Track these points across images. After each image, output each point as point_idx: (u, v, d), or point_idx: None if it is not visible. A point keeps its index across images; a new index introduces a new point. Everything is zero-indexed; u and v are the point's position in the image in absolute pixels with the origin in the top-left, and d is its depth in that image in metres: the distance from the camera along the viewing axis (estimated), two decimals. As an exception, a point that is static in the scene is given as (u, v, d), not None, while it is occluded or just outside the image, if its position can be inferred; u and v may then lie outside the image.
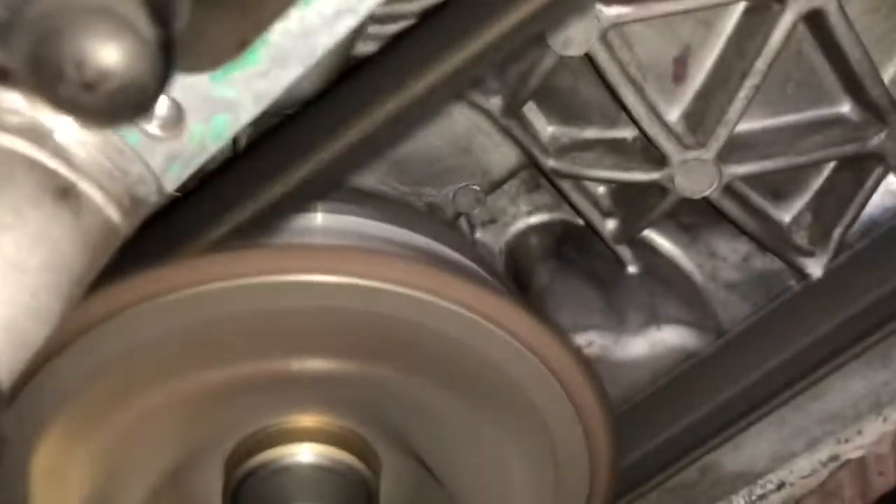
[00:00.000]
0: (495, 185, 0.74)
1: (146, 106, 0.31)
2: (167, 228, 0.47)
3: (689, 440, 0.66)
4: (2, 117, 0.38)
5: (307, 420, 0.56)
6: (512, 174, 0.74)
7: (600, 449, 0.58)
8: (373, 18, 0.61)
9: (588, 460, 0.58)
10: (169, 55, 0.30)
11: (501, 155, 0.72)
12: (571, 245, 0.79)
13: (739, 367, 0.66)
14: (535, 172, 0.76)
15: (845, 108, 0.68)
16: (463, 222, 0.77)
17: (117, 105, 0.30)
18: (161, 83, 0.30)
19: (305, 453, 0.56)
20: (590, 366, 0.58)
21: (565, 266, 0.78)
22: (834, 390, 0.66)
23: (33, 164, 0.38)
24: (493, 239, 0.80)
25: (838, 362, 0.63)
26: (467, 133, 0.70)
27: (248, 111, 0.42)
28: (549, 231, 0.80)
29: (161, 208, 0.44)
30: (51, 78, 0.29)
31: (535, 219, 0.79)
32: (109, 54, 0.29)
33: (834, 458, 0.65)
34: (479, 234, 0.79)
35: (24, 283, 0.37)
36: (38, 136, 0.39)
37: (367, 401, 0.56)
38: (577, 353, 0.58)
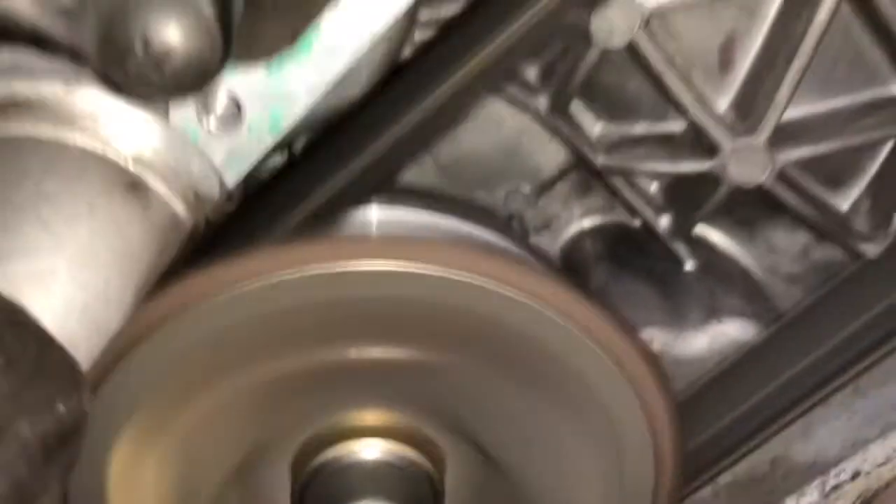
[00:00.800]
0: (545, 187, 0.74)
1: (207, 78, 0.33)
2: (233, 225, 0.48)
3: (750, 426, 0.64)
4: (76, 119, 0.41)
5: (371, 416, 0.57)
6: (562, 174, 0.74)
7: (665, 442, 0.57)
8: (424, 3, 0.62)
9: (653, 454, 0.57)
10: (228, 31, 0.32)
11: (550, 155, 0.72)
12: (626, 247, 0.79)
13: (794, 350, 0.64)
14: (585, 175, 0.76)
15: (896, 87, 0.67)
16: (516, 226, 0.77)
17: (180, 78, 0.32)
18: (221, 57, 0.32)
19: (370, 450, 0.56)
20: (656, 360, 0.58)
21: (621, 267, 0.78)
22: (906, 372, 0.64)
23: (104, 161, 0.41)
24: (547, 244, 0.80)
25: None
26: (515, 134, 0.71)
27: (302, 101, 0.43)
28: (603, 234, 0.80)
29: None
30: (119, 56, 0.31)
31: (589, 222, 0.79)
32: (173, 31, 0.31)
33: (910, 443, 0.63)
34: (532, 240, 0.79)
35: (98, 271, 0.39)
36: (107, 134, 0.41)
37: (430, 394, 0.56)
38: (643, 347, 0.57)
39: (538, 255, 0.70)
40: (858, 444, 0.64)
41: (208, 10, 0.30)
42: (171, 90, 0.31)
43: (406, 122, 0.48)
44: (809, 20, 0.61)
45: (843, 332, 0.65)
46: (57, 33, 0.32)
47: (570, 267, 0.80)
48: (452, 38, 0.52)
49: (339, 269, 0.48)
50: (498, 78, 0.47)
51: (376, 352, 0.53)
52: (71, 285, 0.38)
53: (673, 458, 0.58)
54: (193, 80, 0.31)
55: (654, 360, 0.57)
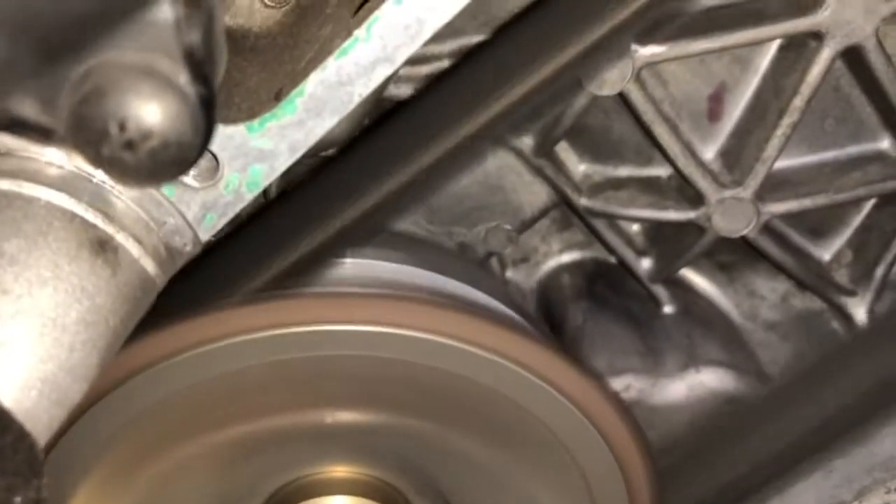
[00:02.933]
0: (527, 225, 0.73)
1: (188, 164, 0.31)
2: (203, 277, 0.46)
3: (735, 491, 0.64)
4: (42, 171, 0.38)
5: (339, 471, 0.55)
6: (543, 213, 0.73)
7: (642, 497, 0.56)
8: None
9: (629, 510, 0.57)
10: (210, 113, 0.30)
11: (533, 194, 0.71)
12: (604, 284, 0.78)
13: (789, 417, 0.64)
14: (566, 210, 0.75)
15: (884, 143, 0.66)
16: (494, 261, 0.76)
17: (159, 163, 0.30)
18: (203, 141, 0.30)
19: (339, 505, 0.55)
20: (629, 414, 0.57)
21: (599, 306, 0.77)
22: (882, 438, 0.64)
23: (72, 217, 0.38)
24: (524, 278, 0.79)
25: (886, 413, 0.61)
26: (498, 172, 0.70)
27: (283, 160, 0.41)
28: (581, 270, 0.78)
29: (198, 256, 0.44)
30: (94, 137, 0.29)
31: (567, 257, 0.78)
32: (152, 113, 0.28)
33: (883, 505, 0.63)
34: (510, 273, 0.78)
35: (62, 340, 0.37)
36: (76, 189, 0.38)
37: (400, 451, 0.55)
38: (616, 401, 0.56)
39: (512, 302, 0.68)
40: (833, 507, 0.63)
41: (190, 89, 0.28)
42: (147, 176, 0.29)
43: (401, 175, 0.46)
44: (802, 75, 0.61)
45: (835, 403, 0.64)
46: (26, 114, 0.30)
47: (547, 302, 0.79)
48: (457, 85, 0.50)
49: (305, 330, 0.46)
50: (492, 135, 0.45)
51: (346, 414, 0.51)
52: (32, 356, 0.36)
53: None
54: (172, 166, 0.29)
55: (626, 413, 0.56)
